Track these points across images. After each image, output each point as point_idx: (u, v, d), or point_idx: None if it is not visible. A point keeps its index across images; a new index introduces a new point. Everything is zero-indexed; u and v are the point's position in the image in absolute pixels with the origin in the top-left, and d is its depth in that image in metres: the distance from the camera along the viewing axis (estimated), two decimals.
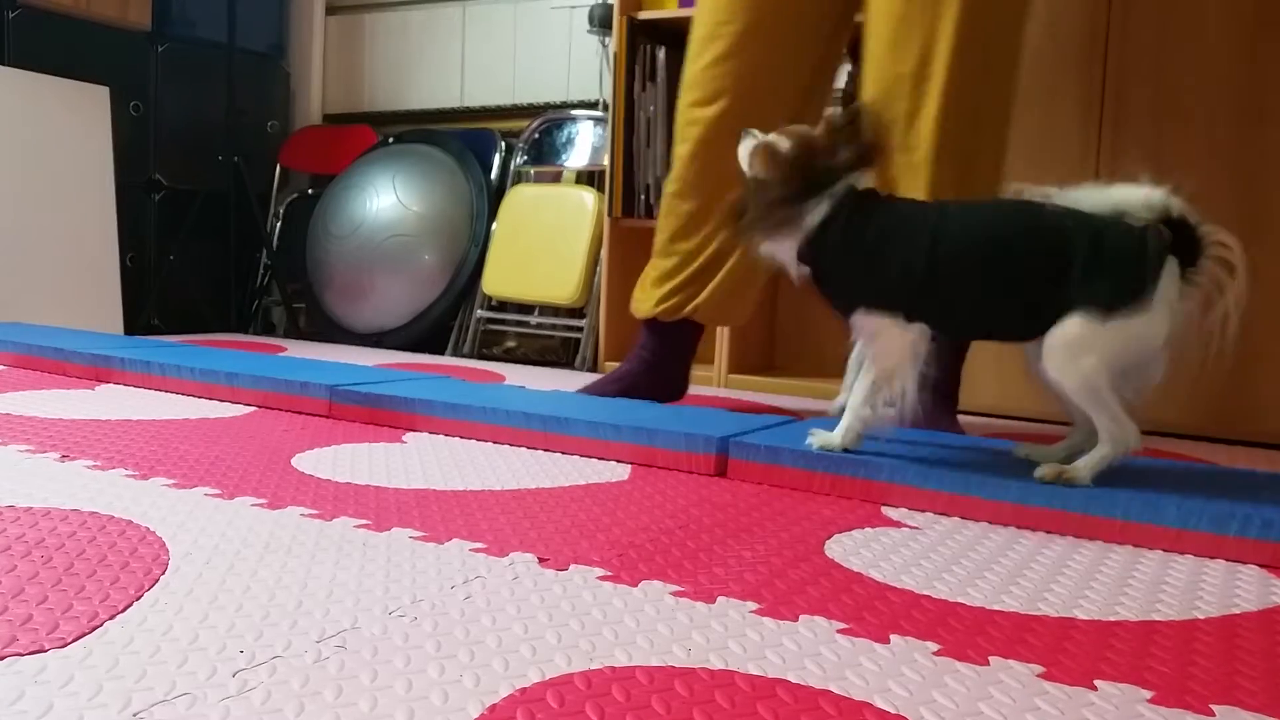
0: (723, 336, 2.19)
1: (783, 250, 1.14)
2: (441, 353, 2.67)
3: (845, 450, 1.13)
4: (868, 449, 1.15)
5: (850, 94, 2.07)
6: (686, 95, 1.60)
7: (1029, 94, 1.84)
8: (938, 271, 1.08)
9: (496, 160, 2.82)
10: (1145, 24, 1.75)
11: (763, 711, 0.55)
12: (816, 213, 1.11)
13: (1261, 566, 0.91)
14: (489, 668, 0.58)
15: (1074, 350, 1.02)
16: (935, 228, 1.10)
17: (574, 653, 0.61)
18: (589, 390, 1.68)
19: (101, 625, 0.62)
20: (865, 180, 1.14)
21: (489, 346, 2.71)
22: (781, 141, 1.14)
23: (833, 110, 1.20)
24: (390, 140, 2.95)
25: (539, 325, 2.64)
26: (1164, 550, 0.95)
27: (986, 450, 1.21)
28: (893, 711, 0.56)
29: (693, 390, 2.05)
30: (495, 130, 2.88)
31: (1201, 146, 1.71)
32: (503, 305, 2.67)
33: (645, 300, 1.68)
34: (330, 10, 3.25)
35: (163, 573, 0.73)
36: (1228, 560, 0.93)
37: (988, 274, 1.07)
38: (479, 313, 2.66)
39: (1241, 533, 0.93)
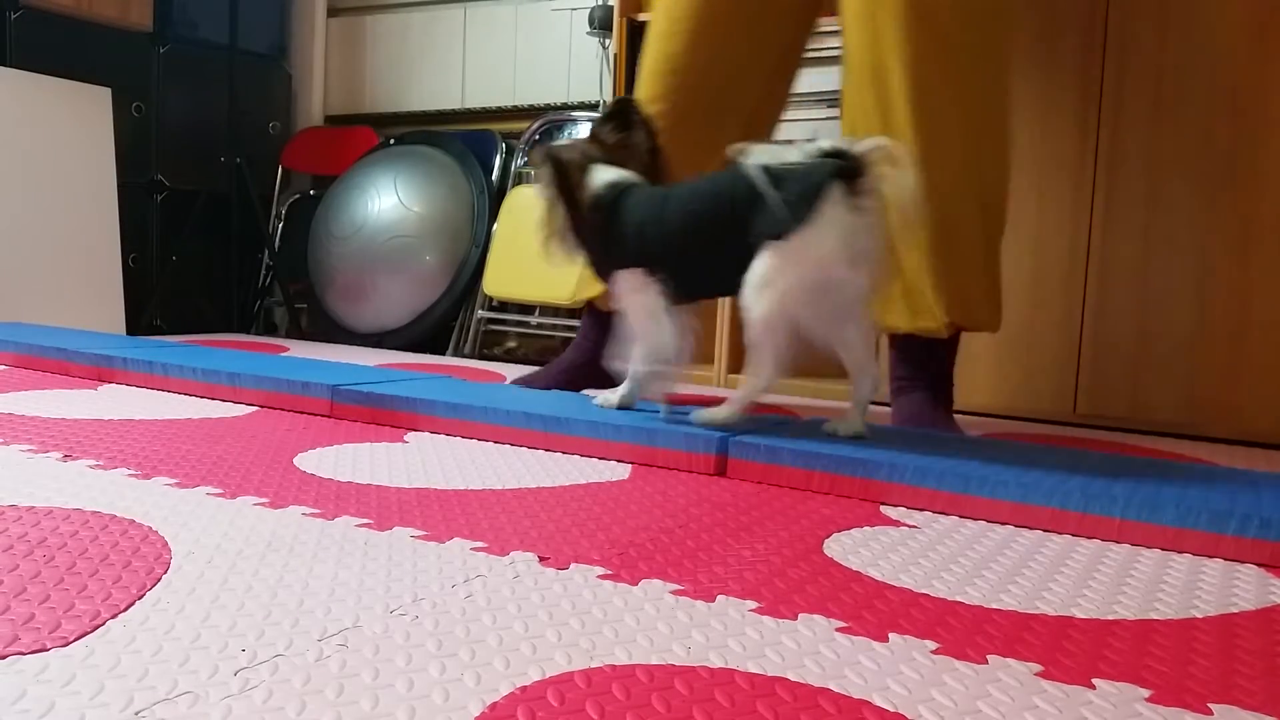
0: (723, 336, 2.20)
1: (569, 244, 1.33)
2: (443, 353, 2.68)
3: (622, 408, 1.34)
4: (867, 448, 1.15)
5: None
6: (641, 90, 1.60)
7: (1028, 95, 1.84)
8: (663, 233, 1.24)
9: (497, 161, 2.82)
10: (1144, 24, 1.75)
11: (762, 709, 0.55)
12: (587, 199, 1.30)
13: (1260, 566, 0.91)
14: (490, 666, 0.59)
15: (759, 285, 1.14)
16: (665, 197, 1.27)
17: (574, 651, 0.62)
18: (527, 382, 1.66)
19: (103, 624, 0.62)
20: (627, 172, 1.32)
21: (490, 347, 2.71)
22: (564, 152, 1.34)
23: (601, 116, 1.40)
24: (391, 141, 2.95)
25: (539, 326, 2.64)
26: (1162, 549, 0.95)
27: (985, 449, 1.22)
28: (891, 709, 0.56)
29: (693, 390, 2.05)
30: (496, 131, 2.88)
31: (1200, 147, 1.72)
32: (503, 306, 2.67)
33: (588, 286, 1.65)
34: (331, 12, 3.25)
35: (165, 572, 0.73)
36: (1226, 559, 0.93)
37: (698, 235, 1.22)
38: (480, 313, 2.66)
39: (1240, 532, 0.93)
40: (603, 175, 1.33)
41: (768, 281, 1.14)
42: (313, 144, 3.17)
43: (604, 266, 1.33)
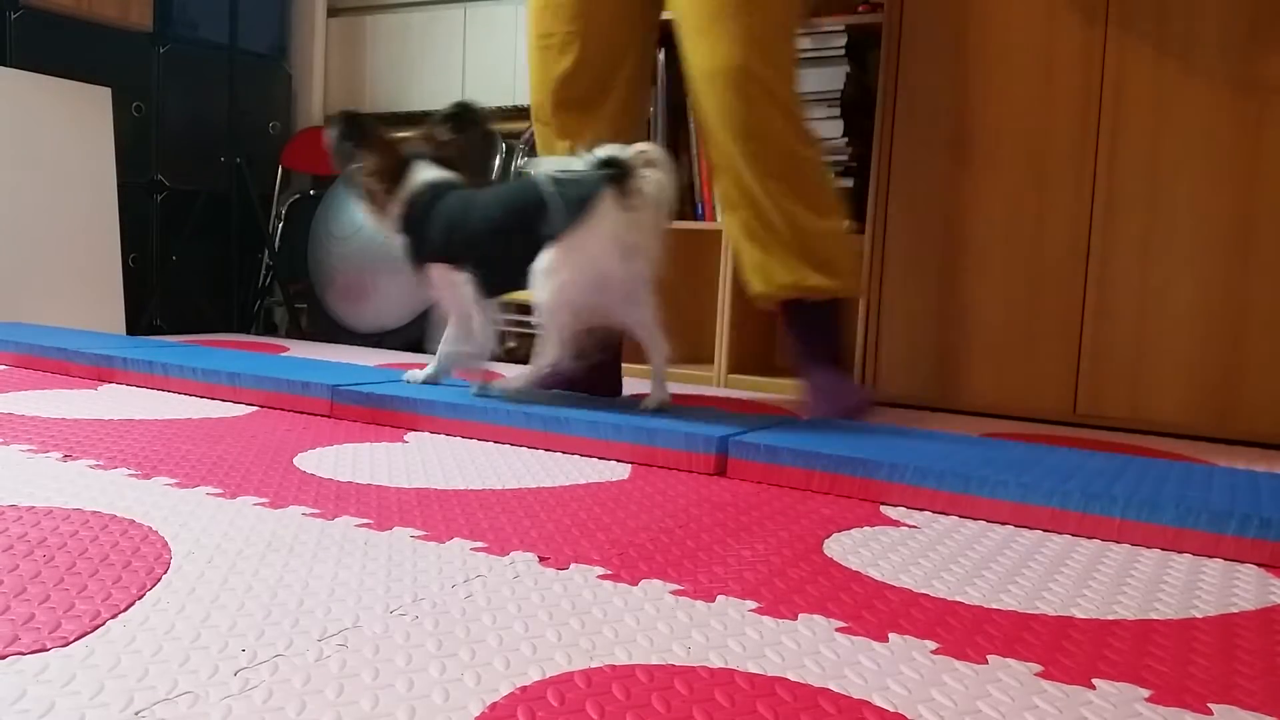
0: (722, 337, 2.20)
1: (385, 224, 1.48)
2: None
3: (428, 382, 1.50)
4: (867, 448, 1.15)
5: (844, 93, 2.08)
6: (535, 109, 1.72)
7: (1028, 94, 1.84)
8: (465, 232, 1.40)
9: (497, 161, 2.82)
10: (1143, 24, 1.75)
11: (762, 709, 0.55)
12: (405, 194, 1.45)
13: (1259, 566, 0.91)
14: (490, 666, 0.59)
15: (544, 276, 1.30)
16: (470, 199, 1.43)
17: (574, 651, 0.62)
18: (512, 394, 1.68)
19: (104, 624, 0.62)
20: (446, 170, 1.47)
21: None
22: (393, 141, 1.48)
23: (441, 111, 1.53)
24: None
25: (539, 325, 2.64)
26: (1162, 549, 0.95)
27: (985, 449, 1.22)
28: (891, 710, 0.56)
29: (693, 390, 2.05)
30: (496, 131, 2.88)
31: (1200, 147, 1.72)
32: (504, 306, 2.67)
33: None
34: (331, 12, 3.25)
35: (165, 572, 0.73)
36: (1226, 559, 0.93)
37: (500, 232, 1.38)
38: None
39: (1240, 532, 0.93)
40: (423, 174, 1.46)
41: (549, 273, 1.30)
42: (313, 144, 3.17)
43: (419, 258, 1.47)
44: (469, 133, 1.52)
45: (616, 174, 1.28)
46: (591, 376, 1.61)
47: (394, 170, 1.47)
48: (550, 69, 1.69)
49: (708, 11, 1.56)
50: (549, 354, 1.33)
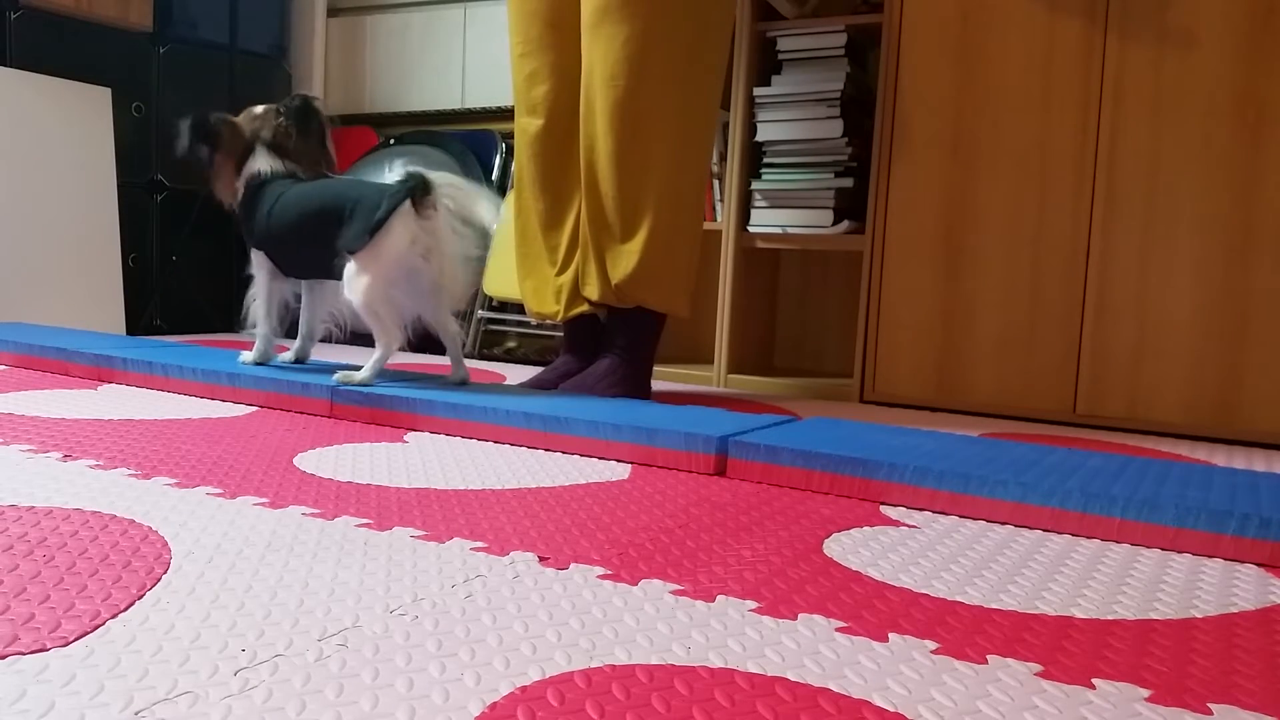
0: (722, 336, 2.20)
1: (226, 199, 1.67)
2: (443, 353, 2.68)
3: (258, 364, 1.65)
4: (867, 448, 1.15)
5: (845, 93, 2.08)
6: (516, 105, 1.83)
7: (1028, 94, 1.84)
8: (271, 224, 1.58)
9: (497, 161, 2.82)
10: (1143, 24, 1.75)
11: (762, 709, 0.55)
12: (243, 177, 1.64)
13: (1259, 565, 0.91)
14: (490, 666, 0.59)
15: (352, 277, 1.48)
16: (281, 194, 1.59)
17: (574, 651, 0.62)
18: (535, 383, 1.78)
19: (103, 624, 0.62)
20: (280, 161, 1.64)
21: (490, 347, 2.71)
22: (241, 124, 1.65)
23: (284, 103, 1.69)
24: (391, 141, 2.95)
25: (539, 326, 2.64)
26: (1162, 549, 0.95)
27: (985, 449, 1.22)
28: (891, 709, 0.56)
29: (693, 390, 2.05)
30: (496, 132, 2.88)
31: (1200, 147, 1.72)
32: (503, 306, 2.67)
33: (574, 303, 1.81)
34: (331, 12, 3.25)
35: (165, 572, 0.73)
36: (1226, 559, 0.93)
37: (298, 230, 1.56)
38: (480, 313, 2.66)
39: (1239, 532, 0.93)
40: (260, 162, 1.64)
41: (357, 274, 1.48)
42: None
43: (248, 240, 1.65)
44: (309, 127, 1.68)
45: (413, 188, 1.48)
46: (563, 380, 1.76)
47: (239, 153, 1.64)
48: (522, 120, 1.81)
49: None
50: (386, 341, 1.50)
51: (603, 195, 1.68)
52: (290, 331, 1.75)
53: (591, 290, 1.73)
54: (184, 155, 1.64)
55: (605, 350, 1.76)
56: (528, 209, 1.82)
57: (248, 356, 1.67)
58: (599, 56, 1.64)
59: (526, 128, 1.80)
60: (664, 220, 1.68)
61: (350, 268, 1.49)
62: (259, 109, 1.68)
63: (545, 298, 1.84)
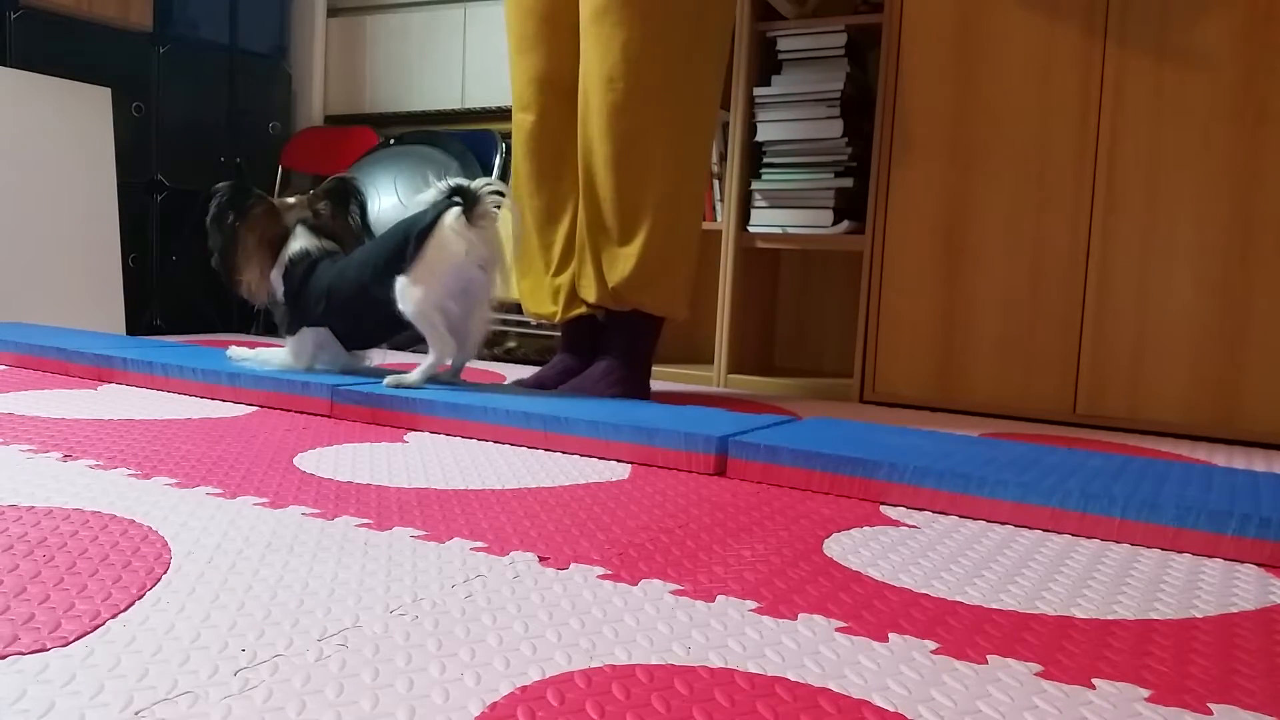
0: (723, 336, 2.20)
1: (258, 290, 1.65)
2: None
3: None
4: (867, 448, 1.15)
5: (845, 94, 2.08)
6: (513, 101, 1.83)
7: (1027, 94, 1.84)
8: (332, 296, 1.57)
9: (497, 161, 2.82)
10: (1143, 25, 1.75)
11: (762, 709, 0.55)
12: (284, 261, 1.62)
13: (1259, 565, 0.91)
14: (490, 666, 0.59)
15: (405, 291, 1.48)
16: (336, 266, 1.59)
17: (574, 651, 0.62)
18: (535, 382, 1.78)
19: (103, 624, 0.62)
20: (322, 240, 1.64)
21: (490, 347, 2.71)
22: (280, 204, 1.65)
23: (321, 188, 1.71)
24: (391, 141, 2.95)
25: (539, 326, 2.64)
26: (1162, 549, 0.95)
27: (985, 449, 1.22)
28: (891, 709, 0.56)
29: (693, 390, 2.05)
30: (496, 132, 2.88)
31: (1200, 147, 1.72)
32: (503, 306, 2.67)
33: (572, 305, 1.82)
34: (332, 12, 3.25)
35: (165, 572, 0.73)
36: (1226, 559, 0.93)
37: (368, 288, 1.53)
38: None
39: (1239, 532, 0.93)
40: (302, 241, 1.63)
41: (410, 287, 1.48)
42: (313, 144, 3.17)
43: (294, 325, 1.63)
44: (349, 208, 1.70)
45: (460, 200, 1.47)
46: (561, 379, 1.76)
47: (276, 239, 1.63)
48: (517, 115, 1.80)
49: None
50: (439, 349, 1.50)
51: (600, 198, 1.68)
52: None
53: (589, 292, 1.73)
54: (212, 228, 1.63)
55: (603, 352, 1.77)
56: (523, 207, 1.83)
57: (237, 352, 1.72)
58: (596, 58, 1.64)
59: (521, 123, 1.80)
60: (662, 223, 1.68)
61: (402, 281, 1.48)
62: (292, 199, 1.68)
63: (541, 298, 1.85)
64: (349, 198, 1.70)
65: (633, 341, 1.76)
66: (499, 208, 1.50)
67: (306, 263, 1.60)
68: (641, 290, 1.70)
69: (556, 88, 1.76)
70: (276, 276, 1.62)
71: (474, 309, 1.54)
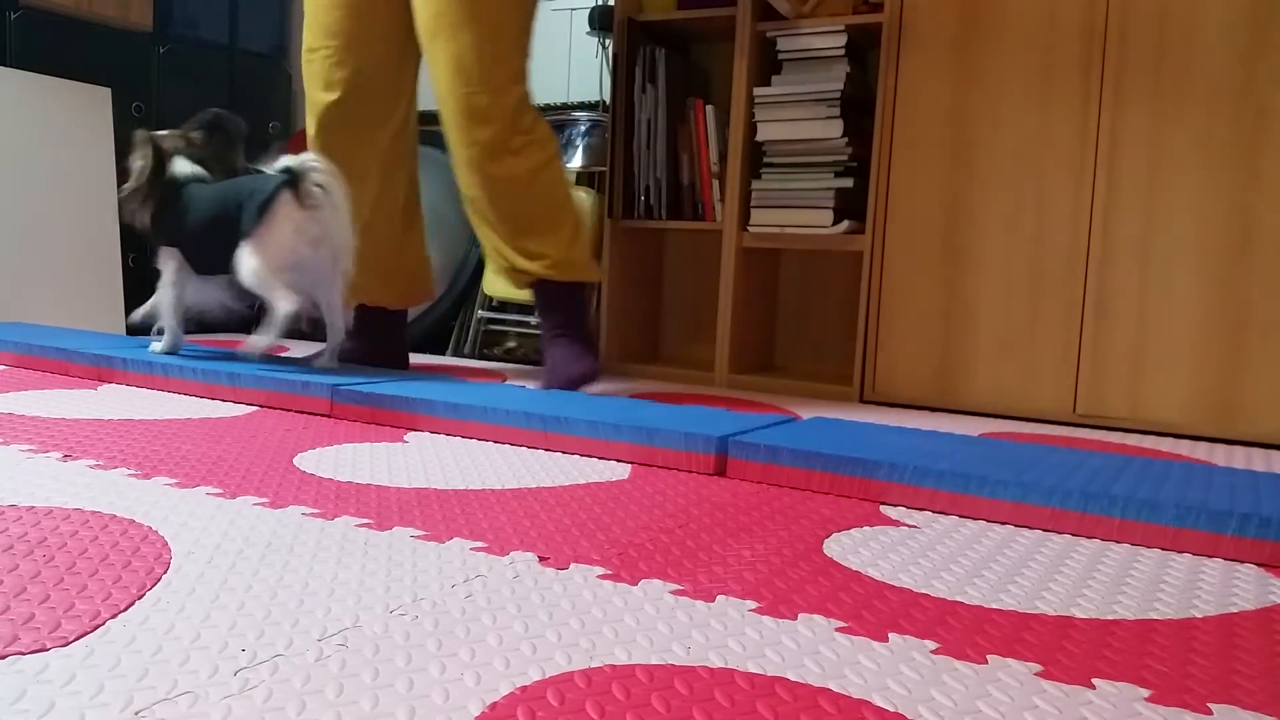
0: (723, 336, 2.20)
1: (141, 215, 1.74)
2: (443, 353, 2.68)
3: (169, 353, 1.78)
4: (867, 448, 1.15)
5: (846, 94, 2.08)
6: (308, 79, 1.91)
7: (1028, 94, 1.84)
8: (185, 223, 1.69)
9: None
10: (1144, 22, 1.75)
11: (762, 709, 0.55)
12: (160, 184, 1.73)
13: (1259, 565, 0.91)
14: (490, 666, 0.59)
15: (244, 259, 1.59)
16: (194, 195, 1.70)
17: (574, 651, 0.62)
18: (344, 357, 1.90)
19: (103, 624, 0.62)
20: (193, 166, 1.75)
21: (490, 347, 2.71)
22: (158, 140, 1.75)
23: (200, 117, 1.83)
24: None
25: (539, 325, 2.64)
26: (1162, 549, 0.95)
27: (985, 449, 1.22)
28: (891, 709, 0.56)
29: (692, 390, 2.05)
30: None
31: (1200, 145, 1.72)
32: (503, 306, 2.67)
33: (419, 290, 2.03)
34: None
35: (165, 571, 0.73)
36: (1226, 559, 0.93)
37: (207, 227, 1.67)
38: (480, 313, 2.66)
39: (1239, 532, 0.93)
40: (176, 167, 1.74)
41: (248, 256, 1.58)
42: None
43: (158, 240, 1.76)
44: (221, 139, 1.83)
45: (291, 179, 1.58)
46: (380, 352, 1.97)
47: (156, 174, 1.74)
48: (317, 94, 1.89)
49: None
50: (282, 305, 1.58)
51: (475, 199, 1.80)
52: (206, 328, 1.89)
53: (499, 288, 1.90)
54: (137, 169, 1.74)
55: (550, 335, 1.88)
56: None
57: (158, 346, 1.80)
58: (441, 71, 1.75)
59: (319, 100, 1.89)
60: (542, 203, 1.81)
61: (242, 250, 1.59)
62: (166, 132, 1.80)
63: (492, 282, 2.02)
64: (221, 131, 1.82)
65: (569, 314, 1.87)
66: (323, 189, 1.60)
67: (173, 186, 1.72)
68: (555, 269, 1.83)
69: (360, 74, 1.87)
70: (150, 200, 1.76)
71: (320, 286, 1.65)
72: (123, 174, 1.78)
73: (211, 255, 1.68)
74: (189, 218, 1.69)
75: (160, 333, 1.81)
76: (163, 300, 1.77)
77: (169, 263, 1.75)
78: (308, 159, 1.62)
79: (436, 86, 1.77)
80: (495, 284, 2.58)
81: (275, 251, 1.58)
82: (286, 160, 1.62)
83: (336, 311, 1.70)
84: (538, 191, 1.80)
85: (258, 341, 1.63)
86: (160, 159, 1.73)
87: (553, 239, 1.82)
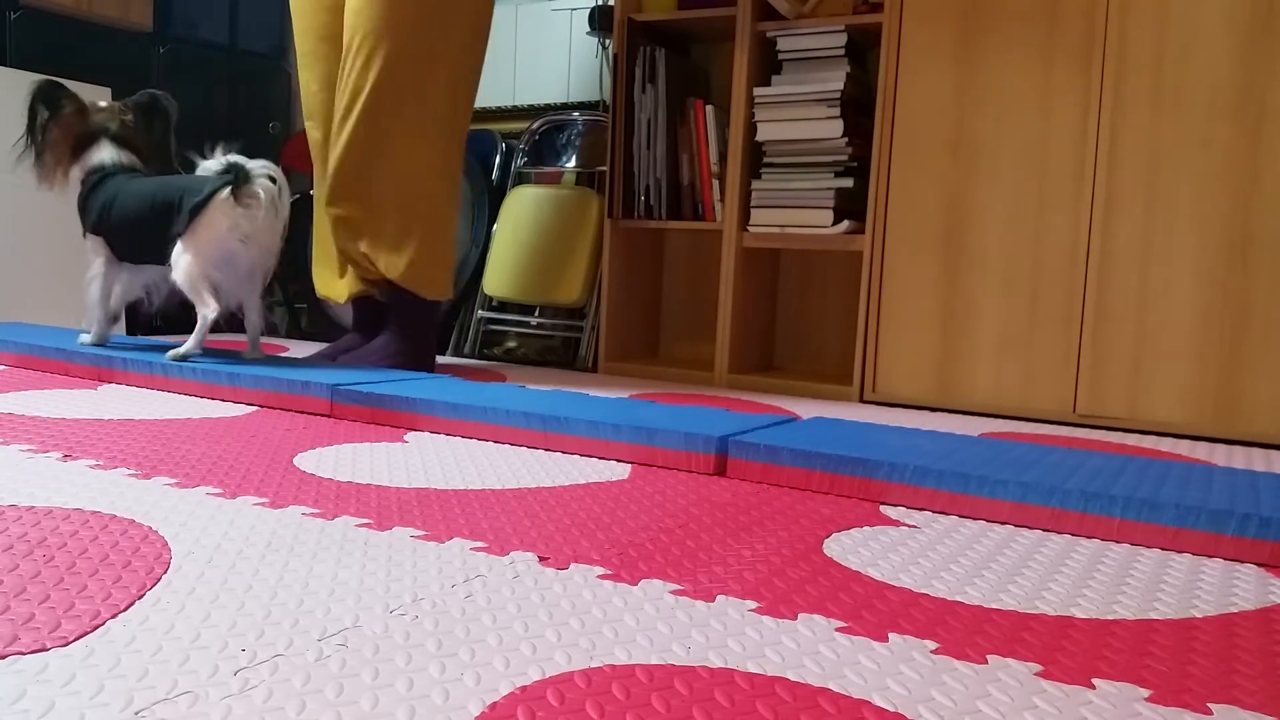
0: (723, 336, 2.20)
1: (52, 180, 1.78)
2: (443, 353, 2.68)
3: (98, 345, 1.81)
4: (867, 448, 1.15)
5: (844, 93, 2.08)
6: (304, 111, 2.07)
7: (1027, 94, 1.84)
8: (112, 215, 1.71)
9: (497, 161, 2.82)
10: (1144, 22, 1.75)
11: (762, 709, 0.55)
12: (84, 167, 1.77)
13: (1259, 565, 0.91)
14: (490, 666, 0.59)
15: (178, 259, 1.63)
16: (122, 188, 1.72)
17: (574, 651, 0.62)
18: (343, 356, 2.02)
19: (103, 624, 0.62)
20: (124, 155, 1.79)
21: (490, 346, 2.71)
22: (91, 108, 1.78)
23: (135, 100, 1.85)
24: None
25: (539, 325, 2.64)
26: (1162, 549, 0.95)
27: (985, 449, 1.22)
28: (891, 709, 0.56)
29: (692, 390, 2.05)
30: (495, 131, 2.88)
31: (1200, 147, 1.72)
32: (503, 306, 2.67)
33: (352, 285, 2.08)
34: None
35: (165, 571, 0.73)
36: (1225, 559, 0.93)
37: (139, 222, 1.68)
38: (480, 313, 2.66)
39: (1239, 532, 0.93)
40: (103, 154, 1.76)
41: (181, 255, 1.62)
42: None
43: (85, 226, 1.77)
44: (155, 126, 1.83)
45: (232, 179, 1.62)
46: (345, 353, 2.02)
47: (80, 139, 1.75)
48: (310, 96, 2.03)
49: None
50: (207, 309, 1.63)
51: (347, 203, 1.92)
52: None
53: (342, 290, 2.03)
54: (31, 116, 1.75)
55: (386, 328, 2.01)
56: (320, 205, 2.04)
57: (86, 338, 1.82)
58: (349, 84, 1.87)
59: (310, 132, 2.05)
60: (427, 218, 1.94)
61: (177, 248, 1.63)
62: (104, 102, 1.80)
63: (330, 283, 2.10)
64: (155, 114, 1.82)
65: (407, 319, 1.98)
66: (266, 191, 1.64)
67: (100, 174, 1.74)
68: (416, 279, 1.95)
69: (332, 102, 1.96)
70: (75, 177, 1.77)
71: (243, 280, 1.70)
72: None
73: (141, 248, 1.72)
74: (115, 211, 1.71)
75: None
76: (90, 293, 1.79)
77: (98, 255, 1.77)
78: (257, 162, 1.65)
79: None
80: (493, 285, 2.58)
81: (207, 249, 1.62)
82: (234, 158, 1.65)
83: (256, 310, 1.76)
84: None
85: (179, 351, 1.67)
86: (87, 132, 1.75)
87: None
